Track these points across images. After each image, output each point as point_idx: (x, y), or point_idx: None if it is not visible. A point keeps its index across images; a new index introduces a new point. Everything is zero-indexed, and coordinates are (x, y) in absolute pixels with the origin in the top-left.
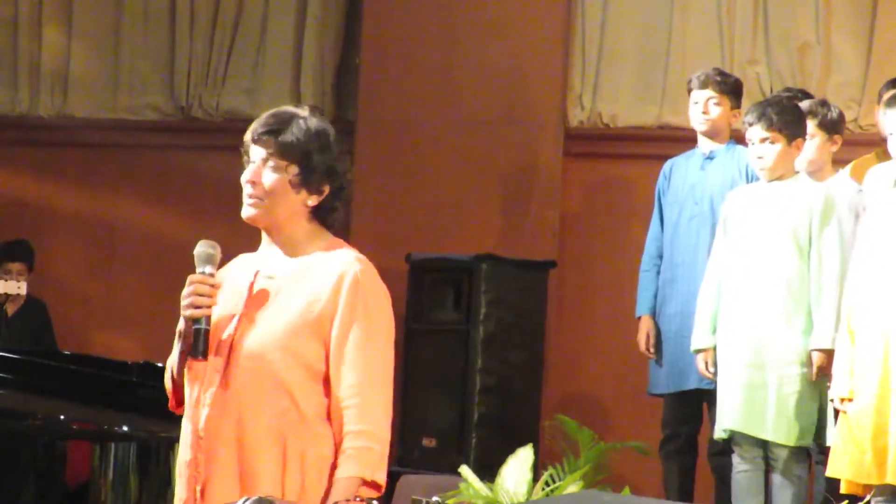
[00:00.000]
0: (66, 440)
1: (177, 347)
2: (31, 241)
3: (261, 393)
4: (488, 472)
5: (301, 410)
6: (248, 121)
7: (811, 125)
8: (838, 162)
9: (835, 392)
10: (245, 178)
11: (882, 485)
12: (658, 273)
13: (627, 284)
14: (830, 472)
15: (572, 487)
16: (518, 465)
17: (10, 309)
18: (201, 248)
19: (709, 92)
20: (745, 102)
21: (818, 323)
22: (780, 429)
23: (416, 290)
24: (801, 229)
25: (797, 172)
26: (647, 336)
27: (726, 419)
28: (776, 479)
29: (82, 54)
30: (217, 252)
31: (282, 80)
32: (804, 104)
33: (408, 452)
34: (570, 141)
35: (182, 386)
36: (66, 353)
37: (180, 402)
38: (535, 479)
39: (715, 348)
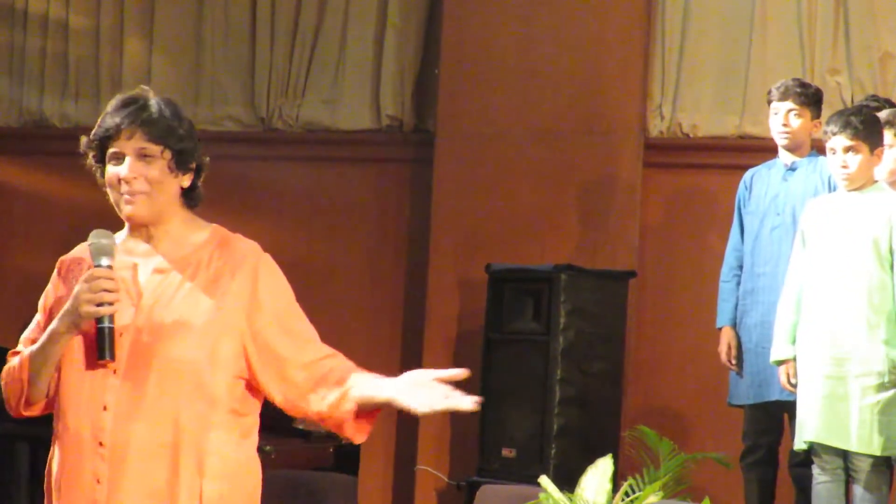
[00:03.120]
0: None
1: (48, 345)
2: None
3: (179, 396)
4: (568, 482)
5: (220, 411)
6: (328, 132)
7: (889, 135)
8: None
9: None
10: (123, 174)
11: None
12: (738, 284)
13: (707, 295)
14: None
15: (652, 498)
16: (597, 476)
17: None
18: (97, 238)
19: (789, 104)
20: (827, 112)
21: None
22: (862, 439)
23: (495, 300)
24: (882, 239)
25: (876, 182)
26: (729, 347)
27: (807, 430)
28: (857, 490)
29: (163, 66)
30: (113, 242)
31: (361, 90)
32: (882, 114)
33: (487, 462)
34: (649, 151)
35: (39, 387)
36: None
37: (31, 403)
38: (615, 489)
39: (795, 359)
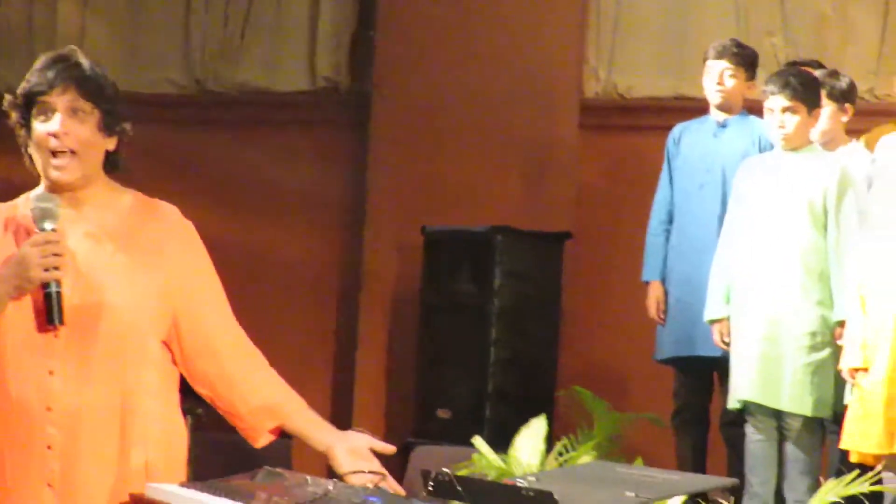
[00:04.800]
0: None
1: None
2: None
3: (124, 360)
4: (503, 443)
5: (157, 375)
6: (264, 94)
7: (823, 96)
8: (856, 132)
9: (846, 363)
10: (54, 129)
11: (892, 455)
12: (667, 238)
13: (643, 255)
14: (843, 443)
15: (585, 458)
16: (531, 436)
17: None
18: (40, 202)
19: (724, 63)
20: (762, 74)
21: (839, 295)
22: (795, 399)
23: (432, 262)
24: (817, 200)
25: (812, 143)
26: (657, 301)
27: (741, 390)
28: (789, 449)
29: (98, 28)
30: (56, 206)
31: (297, 52)
32: (817, 73)
33: (423, 424)
34: (586, 113)
35: None
36: None
37: None
38: (549, 450)
39: (729, 318)
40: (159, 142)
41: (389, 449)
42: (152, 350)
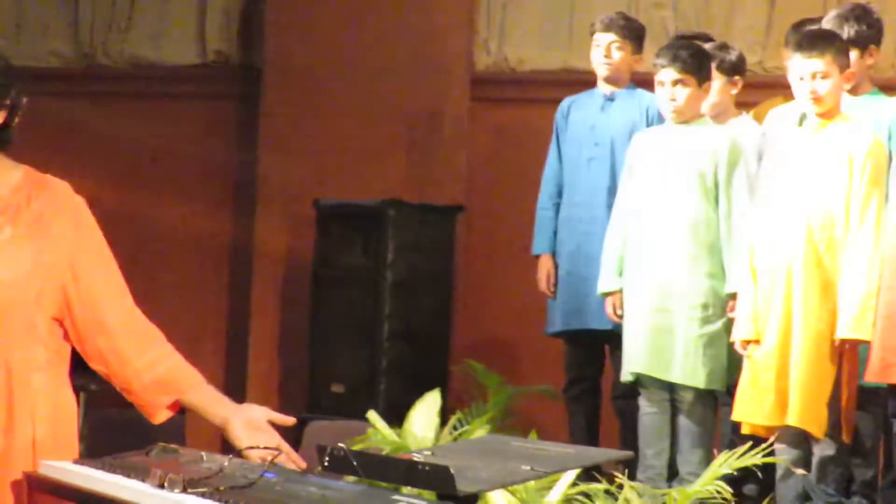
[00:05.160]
0: None
1: None
2: None
3: (10, 337)
4: (398, 417)
5: (45, 352)
6: (153, 67)
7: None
8: (745, 104)
9: (737, 334)
10: None
11: (784, 426)
12: (557, 211)
13: (533, 228)
14: (735, 415)
15: (480, 431)
16: (425, 411)
17: None
18: None
19: (611, 35)
20: (651, 47)
21: (731, 267)
22: (687, 371)
23: (324, 236)
24: (708, 173)
25: (703, 116)
26: (548, 274)
27: (633, 362)
28: (682, 421)
29: None
30: None
31: (187, 25)
32: (707, 46)
33: (316, 399)
34: (476, 85)
35: None
36: None
37: None
38: (444, 423)
39: (622, 291)
40: (47, 115)
41: (289, 420)
42: (40, 326)
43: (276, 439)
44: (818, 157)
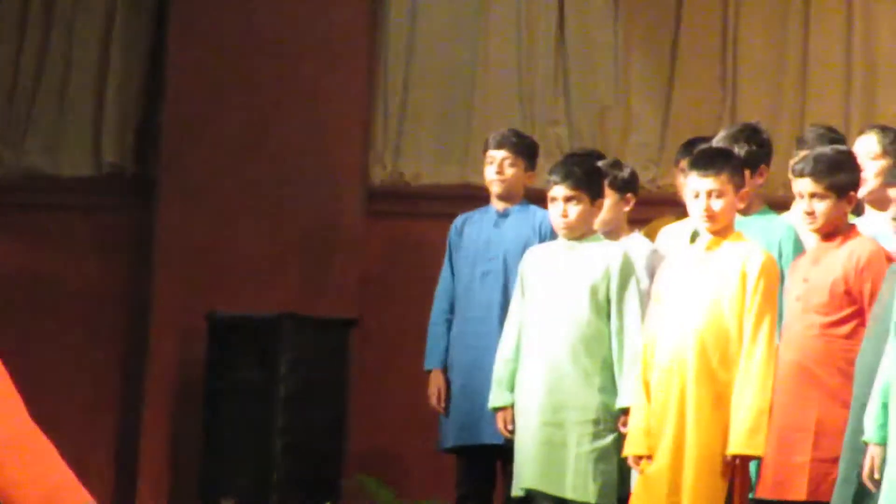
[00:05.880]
0: None
1: None
2: None
3: None
4: None
5: None
6: (48, 178)
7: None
8: (637, 222)
9: (629, 449)
10: None
11: None
12: (449, 327)
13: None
14: None
15: None
16: None
17: None
18: None
19: (504, 152)
20: (546, 163)
21: (622, 383)
22: (578, 487)
23: (218, 348)
24: (600, 288)
25: (595, 232)
26: (439, 390)
27: (524, 477)
28: None
29: None
30: None
31: (83, 137)
32: (601, 164)
33: None
34: (372, 199)
35: None
36: None
37: None
38: None
39: (513, 406)
40: None
41: None
42: None
43: None
44: (711, 274)
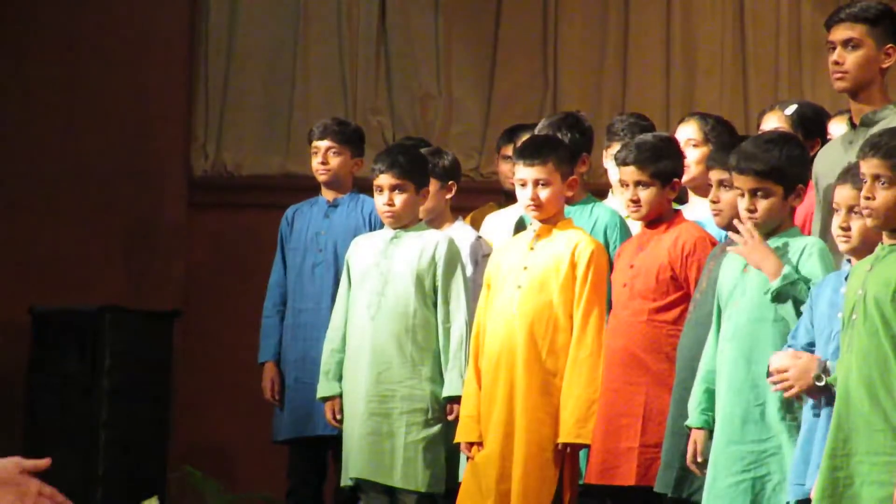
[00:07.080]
0: None
1: None
2: None
3: None
4: None
5: None
6: None
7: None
8: (461, 209)
9: (461, 437)
10: None
11: None
12: (282, 319)
13: (254, 332)
14: None
15: None
16: None
17: None
18: None
19: (328, 142)
20: (370, 152)
21: (449, 371)
22: (407, 476)
23: (39, 342)
24: (426, 276)
25: (420, 221)
26: (272, 382)
27: (353, 467)
28: None
29: None
30: None
31: None
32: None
33: None
34: (194, 190)
35: None
36: None
37: None
38: None
39: (341, 396)
40: None
41: (42, 463)
42: None
43: (33, 488)
44: (541, 262)
